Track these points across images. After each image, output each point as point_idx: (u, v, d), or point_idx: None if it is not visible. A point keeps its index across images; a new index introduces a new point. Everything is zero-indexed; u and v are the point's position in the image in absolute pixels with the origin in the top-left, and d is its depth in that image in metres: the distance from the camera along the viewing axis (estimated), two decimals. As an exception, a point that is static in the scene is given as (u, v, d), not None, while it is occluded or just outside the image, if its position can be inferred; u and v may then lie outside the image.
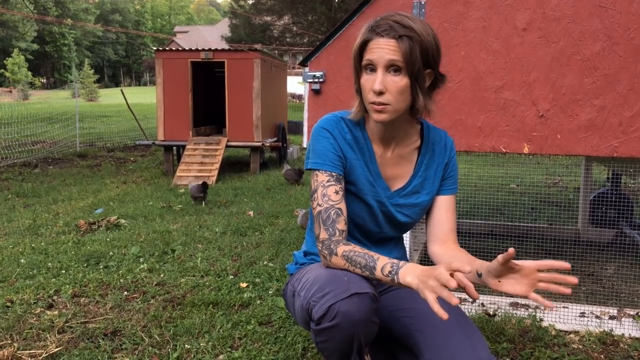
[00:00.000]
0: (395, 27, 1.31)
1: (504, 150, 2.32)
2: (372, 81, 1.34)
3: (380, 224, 1.54)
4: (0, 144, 9.69)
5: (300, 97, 29.90)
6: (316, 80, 2.50)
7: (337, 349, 1.31)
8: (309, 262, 1.61)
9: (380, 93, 1.33)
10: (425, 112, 1.40)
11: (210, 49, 8.26)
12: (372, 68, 1.35)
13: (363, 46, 1.36)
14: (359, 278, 1.32)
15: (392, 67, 1.32)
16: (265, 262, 3.41)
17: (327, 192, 1.41)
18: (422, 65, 1.32)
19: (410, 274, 1.22)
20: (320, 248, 1.40)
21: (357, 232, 1.56)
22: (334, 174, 1.43)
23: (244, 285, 2.95)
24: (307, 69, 2.51)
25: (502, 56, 2.28)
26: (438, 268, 1.15)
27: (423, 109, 1.38)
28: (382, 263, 1.28)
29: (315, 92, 2.52)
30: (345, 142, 1.47)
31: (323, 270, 1.39)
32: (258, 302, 2.71)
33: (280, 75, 10.00)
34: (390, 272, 1.25)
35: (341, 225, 1.40)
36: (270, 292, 2.86)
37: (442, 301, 1.14)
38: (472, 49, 2.31)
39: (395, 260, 1.28)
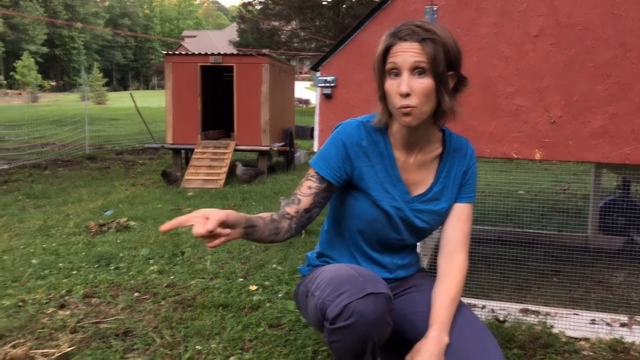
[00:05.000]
0: (417, 31, 1.33)
1: (515, 156, 2.32)
2: (397, 85, 1.35)
3: (400, 230, 1.55)
4: (11, 145, 9.77)
5: (306, 102, 29.98)
6: (328, 84, 2.51)
7: (350, 349, 1.32)
8: (321, 264, 1.62)
9: (407, 95, 1.34)
10: (452, 114, 1.42)
11: (219, 53, 8.30)
12: (396, 73, 1.36)
13: (386, 52, 1.38)
14: (374, 278, 1.33)
15: (417, 70, 1.34)
16: (274, 265, 3.43)
17: (303, 183, 1.49)
18: (446, 67, 1.35)
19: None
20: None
21: (375, 240, 1.57)
22: (320, 175, 1.48)
23: (253, 287, 2.97)
24: (318, 74, 2.53)
25: (514, 62, 2.29)
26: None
27: (449, 110, 1.40)
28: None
29: (327, 97, 2.54)
30: (360, 150, 1.48)
31: (338, 272, 1.40)
32: (268, 304, 2.72)
33: (288, 80, 10.03)
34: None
35: (291, 209, 1.46)
36: (279, 295, 2.87)
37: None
38: (484, 55, 2.32)
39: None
